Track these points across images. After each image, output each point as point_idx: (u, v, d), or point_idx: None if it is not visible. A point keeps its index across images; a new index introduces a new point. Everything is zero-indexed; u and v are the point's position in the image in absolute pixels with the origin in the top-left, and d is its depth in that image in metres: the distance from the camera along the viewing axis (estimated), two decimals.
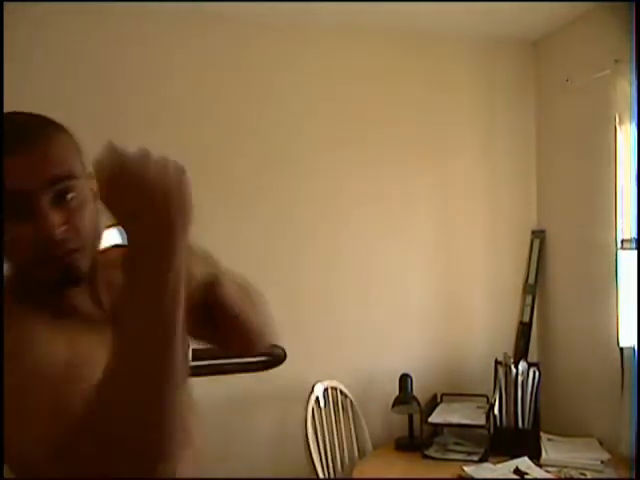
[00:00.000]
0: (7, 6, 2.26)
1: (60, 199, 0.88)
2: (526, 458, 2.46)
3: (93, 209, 0.93)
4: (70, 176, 0.90)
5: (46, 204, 0.86)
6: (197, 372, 2.03)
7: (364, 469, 2.50)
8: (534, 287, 3.05)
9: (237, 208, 2.76)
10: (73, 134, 0.96)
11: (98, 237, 0.96)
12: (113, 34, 2.64)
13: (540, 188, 3.14)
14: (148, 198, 0.77)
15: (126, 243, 0.80)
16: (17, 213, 0.86)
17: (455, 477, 2.38)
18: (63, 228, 0.87)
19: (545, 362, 2.94)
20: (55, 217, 0.86)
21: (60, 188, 0.88)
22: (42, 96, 2.57)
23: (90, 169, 0.85)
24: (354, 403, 2.76)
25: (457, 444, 2.67)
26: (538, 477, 2.34)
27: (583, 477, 2.34)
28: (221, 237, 2.75)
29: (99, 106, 2.63)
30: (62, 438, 0.74)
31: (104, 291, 0.99)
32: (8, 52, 2.44)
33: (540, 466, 2.42)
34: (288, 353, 2.54)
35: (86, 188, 0.93)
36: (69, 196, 0.89)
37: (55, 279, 0.90)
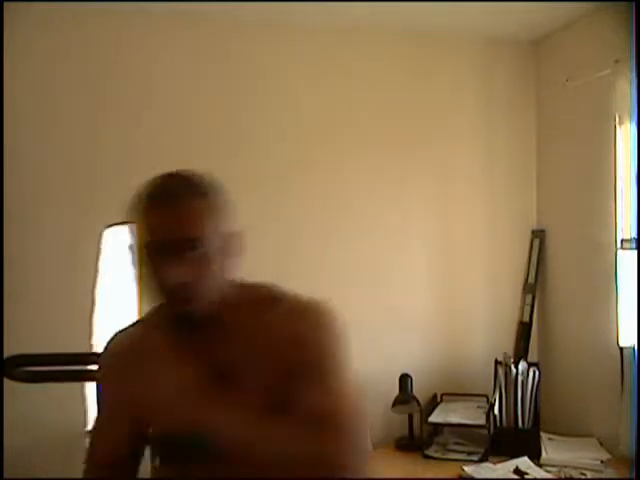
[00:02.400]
0: (7, 6, 2.26)
1: (185, 254, 1.07)
2: (526, 458, 2.46)
3: (219, 264, 1.11)
4: (193, 238, 1.07)
5: (173, 257, 1.06)
6: None
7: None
8: (534, 287, 3.05)
9: (233, 205, 2.75)
10: (216, 196, 1.16)
11: (220, 288, 1.13)
12: (111, 34, 2.64)
13: (540, 188, 3.14)
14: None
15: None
16: (154, 259, 1.08)
17: (455, 477, 2.38)
18: (182, 280, 1.06)
19: (545, 362, 2.94)
20: (176, 270, 1.06)
21: (186, 246, 1.07)
22: (42, 96, 2.58)
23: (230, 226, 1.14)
24: None
25: (457, 444, 2.67)
26: (538, 477, 2.34)
27: (583, 477, 2.34)
28: None
29: (96, 106, 2.64)
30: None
31: (225, 339, 1.16)
32: (8, 52, 2.45)
33: (540, 466, 2.43)
34: None
35: (216, 245, 1.10)
36: (193, 253, 1.07)
37: (173, 318, 1.13)
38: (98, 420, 1.29)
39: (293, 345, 1.15)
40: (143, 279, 1.13)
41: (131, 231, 1.15)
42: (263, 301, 1.21)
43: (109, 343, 1.32)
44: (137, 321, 1.33)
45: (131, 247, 1.17)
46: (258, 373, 1.13)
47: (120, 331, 1.33)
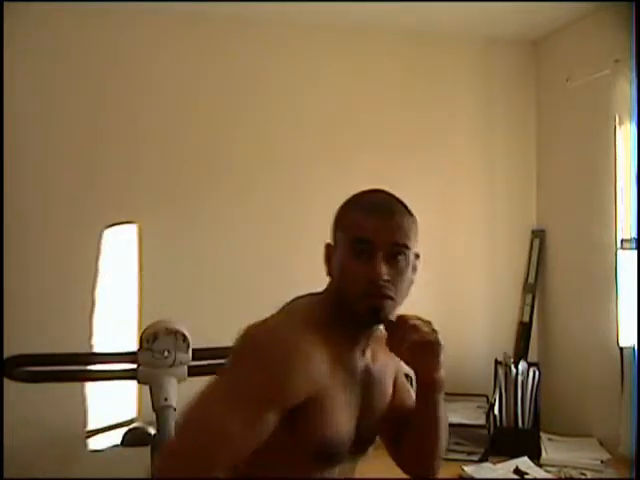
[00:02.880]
0: (6, 6, 2.26)
1: (392, 258, 1.18)
2: (526, 458, 2.46)
3: (410, 276, 1.24)
4: (404, 245, 1.20)
5: (381, 256, 1.17)
6: (197, 372, 2.03)
7: (364, 469, 2.49)
8: (534, 287, 3.05)
9: (231, 206, 2.76)
10: (416, 219, 1.27)
11: (405, 297, 1.25)
12: (111, 34, 2.65)
13: (540, 188, 3.13)
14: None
15: None
16: (360, 254, 1.18)
17: (455, 477, 2.38)
18: (386, 277, 1.17)
19: (545, 362, 2.94)
20: (384, 267, 1.17)
21: (395, 250, 1.19)
22: (42, 96, 2.58)
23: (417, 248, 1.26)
24: None
25: (457, 444, 2.67)
26: (538, 477, 2.34)
27: (583, 477, 2.34)
28: (216, 237, 2.76)
29: (97, 105, 2.64)
30: None
31: (382, 348, 1.29)
32: (8, 52, 2.45)
33: (540, 466, 2.42)
34: None
35: (412, 259, 1.23)
36: (399, 258, 1.19)
37: (364, 313, 1.18)
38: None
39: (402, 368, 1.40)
40: (336, 271, 1.22)
41: (341, 228, 1.25)
42: None
43: (277, 339, 1.13)
44: (286, 317, 1.21)
45: (328, 246, 1.27)
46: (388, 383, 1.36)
47: (279, 328, 1.16)
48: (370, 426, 1.29)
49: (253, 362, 1.09)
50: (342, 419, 1.19)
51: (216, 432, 1.04)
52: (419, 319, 1.27)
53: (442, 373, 1.30)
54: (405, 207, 1.27)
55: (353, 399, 1.23)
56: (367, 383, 1.27)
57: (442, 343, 1.28)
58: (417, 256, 1.27)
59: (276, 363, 1.08)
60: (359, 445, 1.28)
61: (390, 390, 1.37)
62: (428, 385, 1.31)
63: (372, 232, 1.18)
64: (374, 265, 1.16)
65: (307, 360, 1.11)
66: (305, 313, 1.21)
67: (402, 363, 1.32)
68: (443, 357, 1.29)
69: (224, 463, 1.05)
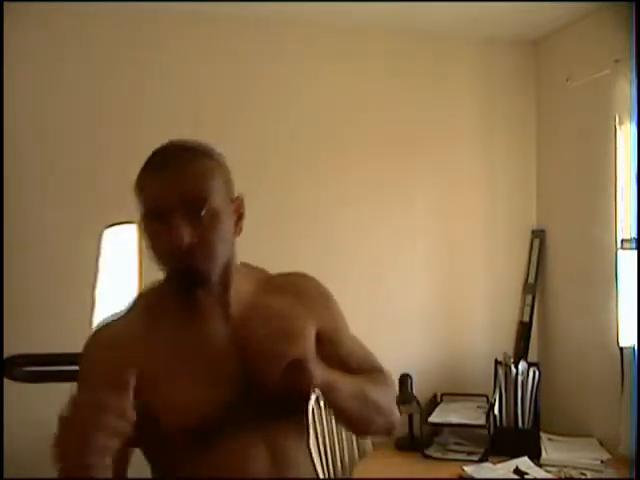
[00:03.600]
0: (7, 6, 2.26)
1: (193, 215, 1.06)
2: (526, 458, 2.46)
3: (227, 226, 1.12)
4: (203, 197, 1.08)
5: (178, 219, 1.05)
6: None
7: (364, 469, 2.50)
8: (534, 287, 3.05)
9: None
10: (218, 158, 1.18)
11: (228, 249, 1.14)
12: (110, 34, 2.65)
13: (540, 188, 3.14)
14: None
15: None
16: (157, 224, 1.07)
17: (455, 477, 2.38)
18: (190, 239, 1.05)
19: (545, 362, 2.94)
20: (184, 229, 1.05)
21: (193, 207, 1.06)
22: (42, 96, 2.58)
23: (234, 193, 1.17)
24: None
25: (457, 444, 2.67)
26: (538, 477, 2.34)
27: (583, 477, 2.34)
28: None
29: (97, 105, 2.64)
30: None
31: (239, 301, 1.17)
32: (8, 52, 2.45)
33: (540, 466, 2.43)
34: None
35: (223, 207, 1.11)
36: (202, 212, 1.07)
37: (182, 281, 1.10)
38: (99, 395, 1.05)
39: (317, 301, 1.27)
40: (147, 252, 1.12)
41: (137, 200, 1.12)
42: (266, 272, 1.31)
43: (97, 335, 1.19)
44: (121, 315, 1.21)
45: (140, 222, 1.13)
46: (290, 332, 1.10)
47: (106, 324, 1.20)
48: (268, 379, 1.06)
49: (80, 361, 1.18)
50: (191, 388, 1.09)
51: (67, 424, 1.07)
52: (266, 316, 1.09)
53: (319, 379, 1.08)
54: (201, 151, 1.14)
55: (216, 363, 1.11)
56: (242, 339, 1.09)
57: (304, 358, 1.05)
58: (235, 200, 1.17)
59: (86, 354, 1.16)
60: (263, 405, 1.12)
61: (299, 335, 1.09)
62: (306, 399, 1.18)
63: (159, 196, 1.07)
64: (172, 233, 1.05)
65: (121, 348, 1.11)
66: (143, 300, 1.22)
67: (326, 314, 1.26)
68: (312, 371, 1.07)
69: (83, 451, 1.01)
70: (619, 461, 2.42)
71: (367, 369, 1.29)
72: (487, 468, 2.42)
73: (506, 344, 3.02)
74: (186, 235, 1.05)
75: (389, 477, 2.45)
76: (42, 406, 2.44)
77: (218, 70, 2.77)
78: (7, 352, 2.12)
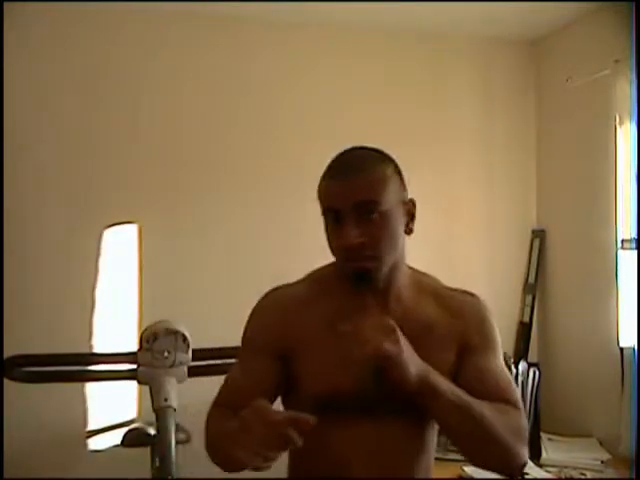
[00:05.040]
0: (7, 6, 2.26)
1: (364, 217, 1.15)
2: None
3: (396, 228, 1.20)
4: (372, 201, 1.15)
5: (350, 220, 1.14)
6: (197, 372, 2.03)
7: None
8: (534, 287, 3.05)
9: (232, 206, 2.76)
10: (392, 164, 1.25)
11: (396, 251, 1.22)
12: (110, 34, 2.65)
13: (540, 188, 3.14)
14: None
15: None
16: (333, 223, 1.17)
17: (455, 477, 2.38)
18: (360, 239, 1.14)
19: (545, 362, 2.94)
20: (354, 231, 1.14)
21: (364, 209, 1.15)
22: (42, 95, 2.58)
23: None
24: None
25: None
26: (538, 477, 2.34)
27: (583, 477, 2.34)
28: (216, 237, 2.76)
29: (97, 105, 2.64)
30: None
31: (398, 302, 1.24)
32: (7, 52, 2.45)
33: (540, 466, 2.42)
34: None
35: (394, 210, 1.19)
36: (372, 216, 1.15)
37: (350, 278, 1.18)
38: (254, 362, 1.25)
39: (472, 321, 1.27)
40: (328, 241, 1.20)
41: (319, 200, 1.22)
42: (434, 280, 1.37)
43: (267, 296, 1.33)
44: (298, 281, 1.35)
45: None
46: (432, 344, 1.20)
47: (277, 288, 1.34)
48: (385, 392, 1.12)
49: (248, 319, 1.31)
50: (336, 369, 1.16)
51: (227, 379, 1.27)
52: (373, 324, 1.10)
53: (416, 378, 1.08)
54: (377, 158, 1.23)
55: (349, 357, 1.10)
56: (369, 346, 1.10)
57: (394, 353, 1.05)
58: (407, 203, 1.24)
59: (255, 314, 1.30)
60: (382, 402, 1.17)
61: (436, 358, 1.16)
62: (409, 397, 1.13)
63: (335, 198, 1.17)
64: (343, 232, 1.15)
65: (284, 310, 1.25)
66: (315, 276, 1.32)
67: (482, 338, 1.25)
68: (405, 366, 1.07)
69: (230, 403, 1.16)
70: (619, 461, 2.42)
71: (500, 399, 1.19)
72: None
73: (506, 344, 3.01)
74: (355, 236, 1.14)
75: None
76: (42, 406, 2.45)
77: (216, 70, 2.77)
78: (7, 352, 2.12)
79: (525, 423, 1.21)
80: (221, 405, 1.23)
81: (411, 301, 1.26)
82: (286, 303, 1.27)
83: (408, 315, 1.22)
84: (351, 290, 1.19)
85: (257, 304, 1.31)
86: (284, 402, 1.28)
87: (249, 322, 1.30)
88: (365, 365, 1.08)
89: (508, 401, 1.19)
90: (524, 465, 1.19)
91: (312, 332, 1.22)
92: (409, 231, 1.25)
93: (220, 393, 1.25)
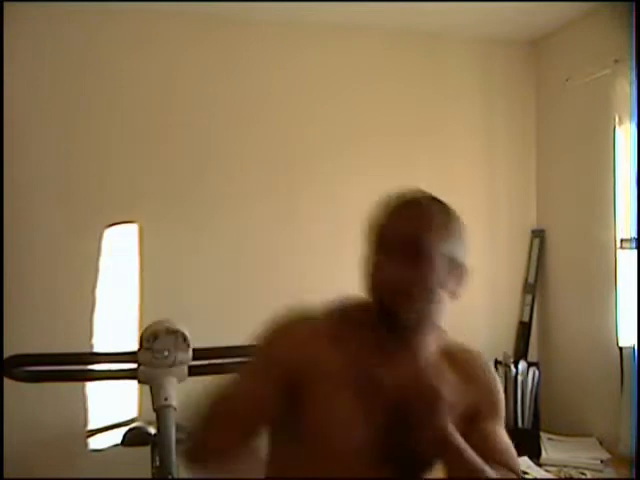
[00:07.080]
0: (7, 6, 2.26)
1: (408, 260, 1.11)
2: (526, 458, 2.45)
3: (439, 283, 1.14)
4: (422, 249, 1.12)
5: (394, 259, 1.12)
6: (197, 372, 2.03)
7: None
8: (534, 287, 3.05)
9: (232, 206, 2.76)
10: (455, 221, 1.20)
11: (434, 306, 1.15)
12: (108, 34, 2.65)
13: (540, 187, 3.14)
14: None
15: None
16: (382, 257, 1.14)
17: None
18: (398, 276, 1.11)
19: (545, 362, 2.94)
20: (394, 270, 1.11)
21: (410, 251, 1.11)
22: (42, 95, 2.58)
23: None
24: None
25: None
26: (538, 477, 2.34)
27: (583, 477, 2.34)
28: (217, 237, 2.76)
29: (97, 105, 2.64)
30: None
31: (424, 354, 1.20)
32: (8, 52, 2.45)
33: (540, 466, 2.43)
34: None
35: (442, 265, 1.14)
36: (418, 260, 1.11)
37: (379, 316, 1.14)
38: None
39: (485, 389, 1.27)
40: (364, 274, 1.18)
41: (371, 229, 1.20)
42: (443, 331, 1.28)
43: (290, 324, 1.22)
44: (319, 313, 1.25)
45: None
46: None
47: (302, 314, 1.24)
48: (410, 445, 1.12)
49: (265, 337, 1.20)
50: (347, 417, 1.13)
51: (220, 397, 1.18)
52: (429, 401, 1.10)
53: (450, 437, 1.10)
54: (438, 205, 1.20)
55: (372, 404, 1.13)
56: (405, 396, 1.12)
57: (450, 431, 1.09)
58: (461, 266, 1.19)
59: (266, 341, 1.19)
60: (397, 465, 1.17)
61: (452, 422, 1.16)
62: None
63: (385, 236, 1.16)
64: (385, 265, 1.12)
65: (295, 342, 1.17)
66: (342, 309, 1.24)
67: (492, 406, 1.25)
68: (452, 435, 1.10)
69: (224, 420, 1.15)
70: (619, 461, 2.42)
71: (502, 463, 1.20)
72: None
73: (506, 344, 3.02)
74: (396, 274, 1.11)
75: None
76: (42, 406, 2.45)
77: (218, 70, 2.77)
78: (7, 352, 2.12)
79: None
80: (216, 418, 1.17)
81: (433, 357, 1.23)
82: (306, 336, 1.18)
83: (432, 372, 1.19)
84: (382, 334, 1.16)
85: (276, 326, 1.21)
86: (276, 433, 1.20)
87: (265, 342, 1.20)
88: (389, 416, 1.09)
89: (509, 467, 1.21)
90: None
91: (331, 372, 1.15)
92: (453, 295, 1.18)
93: (216, 403, 1.17)
